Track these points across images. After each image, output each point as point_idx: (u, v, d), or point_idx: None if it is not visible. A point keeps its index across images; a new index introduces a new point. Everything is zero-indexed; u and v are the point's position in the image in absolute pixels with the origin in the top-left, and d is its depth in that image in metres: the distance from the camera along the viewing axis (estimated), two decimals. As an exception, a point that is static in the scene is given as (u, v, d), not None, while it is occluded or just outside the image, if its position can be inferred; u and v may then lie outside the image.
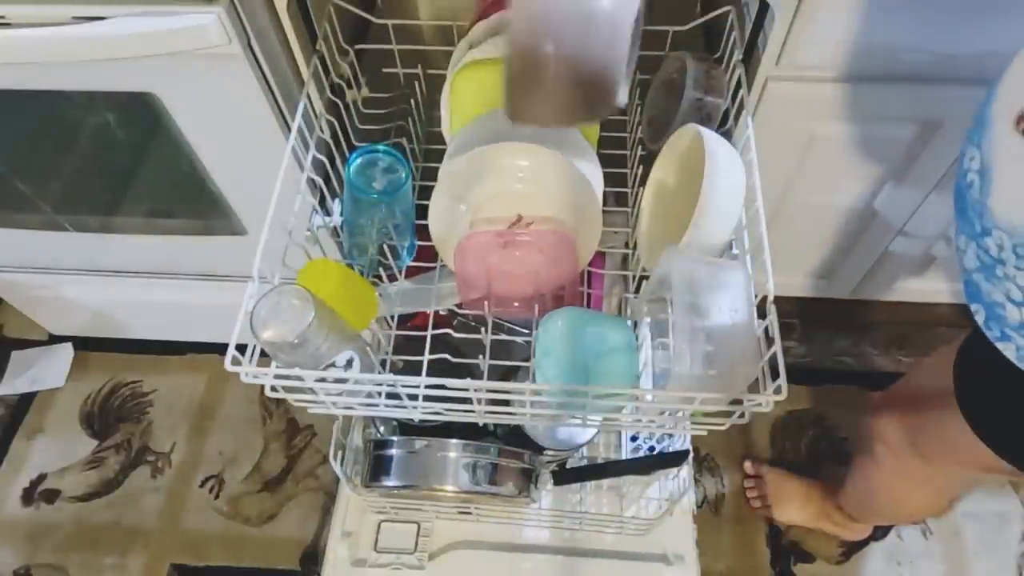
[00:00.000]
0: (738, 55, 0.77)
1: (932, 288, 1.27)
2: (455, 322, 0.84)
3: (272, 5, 0.73)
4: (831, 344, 1.46)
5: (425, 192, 0.73)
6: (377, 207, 0.69)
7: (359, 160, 0.70)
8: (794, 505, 1.23)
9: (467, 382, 0.59)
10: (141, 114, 0.85)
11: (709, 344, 0.54)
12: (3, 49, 0.73)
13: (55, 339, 1.51)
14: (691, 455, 1.06)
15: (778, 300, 0.57)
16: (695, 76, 0.77)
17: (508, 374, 0.83)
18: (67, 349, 1.49)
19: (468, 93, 0.75)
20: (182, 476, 1.35)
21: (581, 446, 0.90)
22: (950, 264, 1.20)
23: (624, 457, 1.12)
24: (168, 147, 0.90)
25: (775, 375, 0.54)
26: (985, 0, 0.75)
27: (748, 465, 1.30)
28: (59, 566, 1.26)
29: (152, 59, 0.73)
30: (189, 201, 1.04)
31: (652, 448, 1.12)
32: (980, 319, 0.56)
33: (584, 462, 1.07)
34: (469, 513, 1.05)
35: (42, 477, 1.36)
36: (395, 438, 0.83)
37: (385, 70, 0.89)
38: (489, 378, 0.64)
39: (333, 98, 0.82)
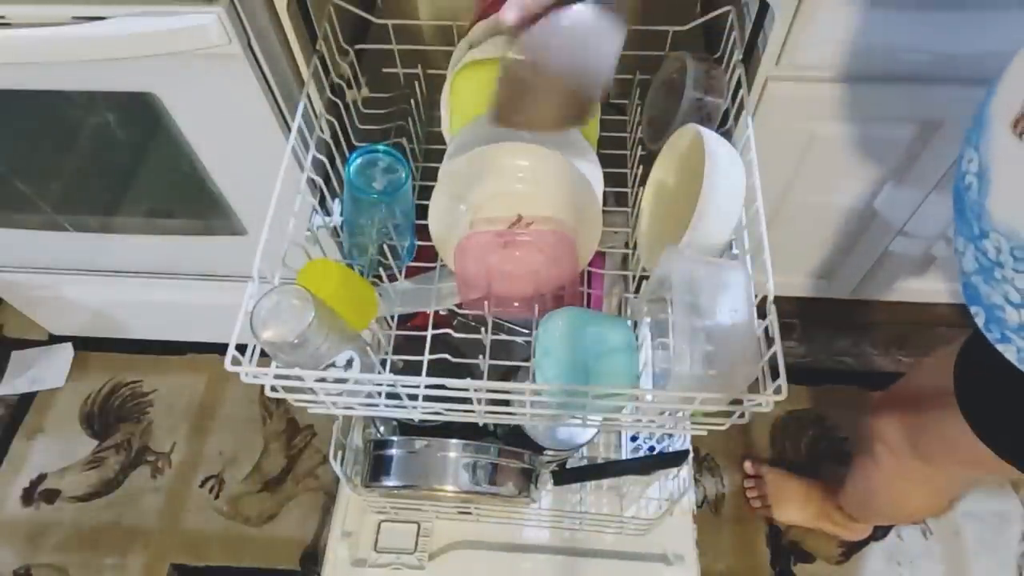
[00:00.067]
0: (738, 55, 0.77)
1: (932, 288, 1.27)
2: (455, 322, 0.84)
3: (272, 5, 0.73)
4: (831, 344, 1.46)
5: (425, 192, 0.72)
6: (377, 207, 0.69)
7: (359, 160, 0.70)
8: (794, 505, 1.23)
9: (467, 382, 0.59)
10: (141, 114, 0.85)
11: (709, 344, 0.54)
12: (3, 49, 0.73)
13: (55, 339, 1.51)
14: (691, 455, 1.06)
15: (778, 300, 0.57)
16: (695, 76, 0.76)
17: (508, 374, 0.83)
18: (67, 349, 1.49)
19: (468, 93, 0.75)
20: (182, 476, 1.35)
21: (581, 446, 0.90)
22: (950, 264, 1.20)
23: (624, 457, 1.11)
24: (168, 147, 0.90)
25: (775, 375, 0.54)
26: (985, 0, 0.75)
27: (748, 465, 1.30)
28: (59, 566, 1.26)
29: (152, 59, 0.73)
30: (189, 201, 1.04)
31: (652, 448, 1.12)
32: (980, 321, 0.55)
33: (584, 462, 1.07)
34: (469, 513, 1.05)
35: (42, 477, 1.36)
36: (395, 438, 0.83)
37: (385, 70, 0.89)
38: (489, 378, 0.64)
39: (333, 98, 0.82)
